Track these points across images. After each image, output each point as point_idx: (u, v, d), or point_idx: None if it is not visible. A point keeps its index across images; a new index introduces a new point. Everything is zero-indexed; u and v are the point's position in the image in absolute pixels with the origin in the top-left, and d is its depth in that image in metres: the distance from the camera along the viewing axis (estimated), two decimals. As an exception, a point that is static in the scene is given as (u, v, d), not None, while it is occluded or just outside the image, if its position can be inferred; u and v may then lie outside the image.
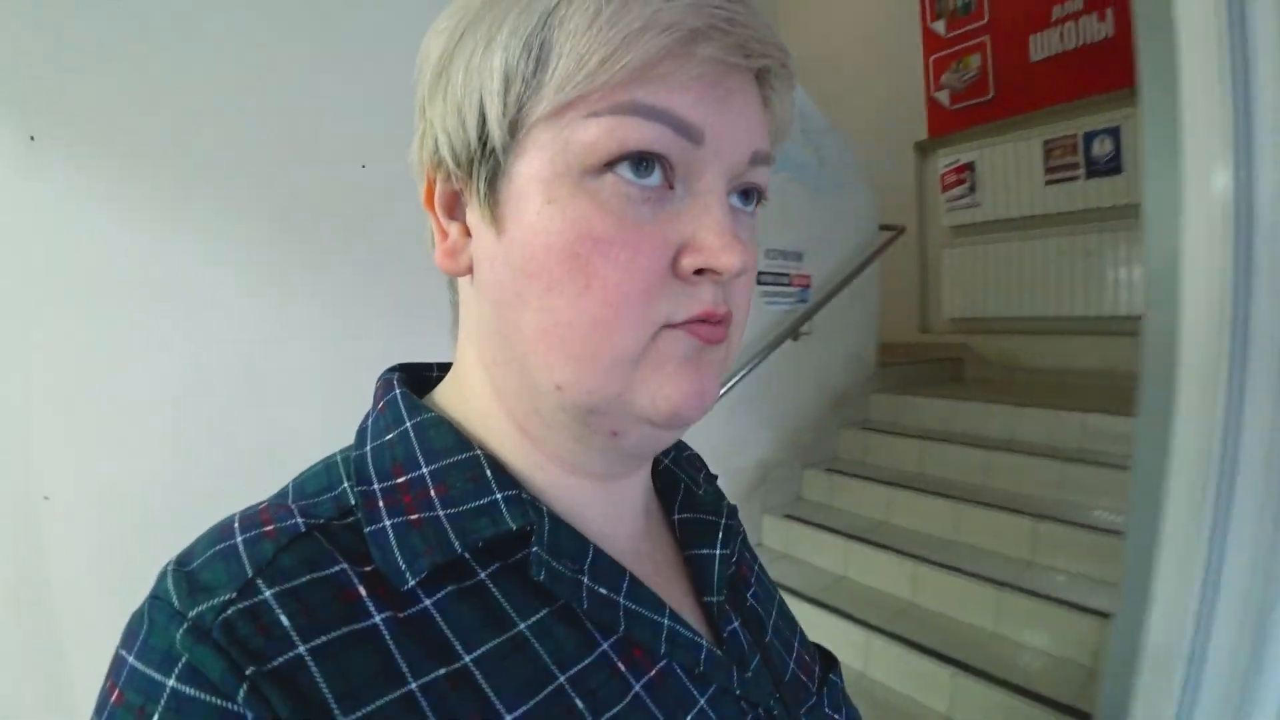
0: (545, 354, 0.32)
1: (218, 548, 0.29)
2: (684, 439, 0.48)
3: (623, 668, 0.33)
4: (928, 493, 2.48)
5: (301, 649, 0.26)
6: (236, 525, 0.30)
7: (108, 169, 1.23)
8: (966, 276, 3.83)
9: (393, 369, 0.40)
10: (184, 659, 0.25)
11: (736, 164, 0.32)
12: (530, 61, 0.30)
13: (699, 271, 0.31)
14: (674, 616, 0.35)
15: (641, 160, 0.30)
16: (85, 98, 1.21)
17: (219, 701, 0.25)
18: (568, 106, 0.30)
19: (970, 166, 3.80)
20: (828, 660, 0.49)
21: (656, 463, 0.47)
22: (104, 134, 1.23)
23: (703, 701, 0.35)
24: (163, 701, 0.25)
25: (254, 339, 1.42)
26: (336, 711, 0.26)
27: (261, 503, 0.33)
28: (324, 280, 1.50)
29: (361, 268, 1.54)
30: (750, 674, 0.39)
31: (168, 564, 0.29)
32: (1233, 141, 0.57)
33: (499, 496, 0.32)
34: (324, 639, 0.27)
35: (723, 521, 0.43)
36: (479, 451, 0.34)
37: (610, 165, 0.30)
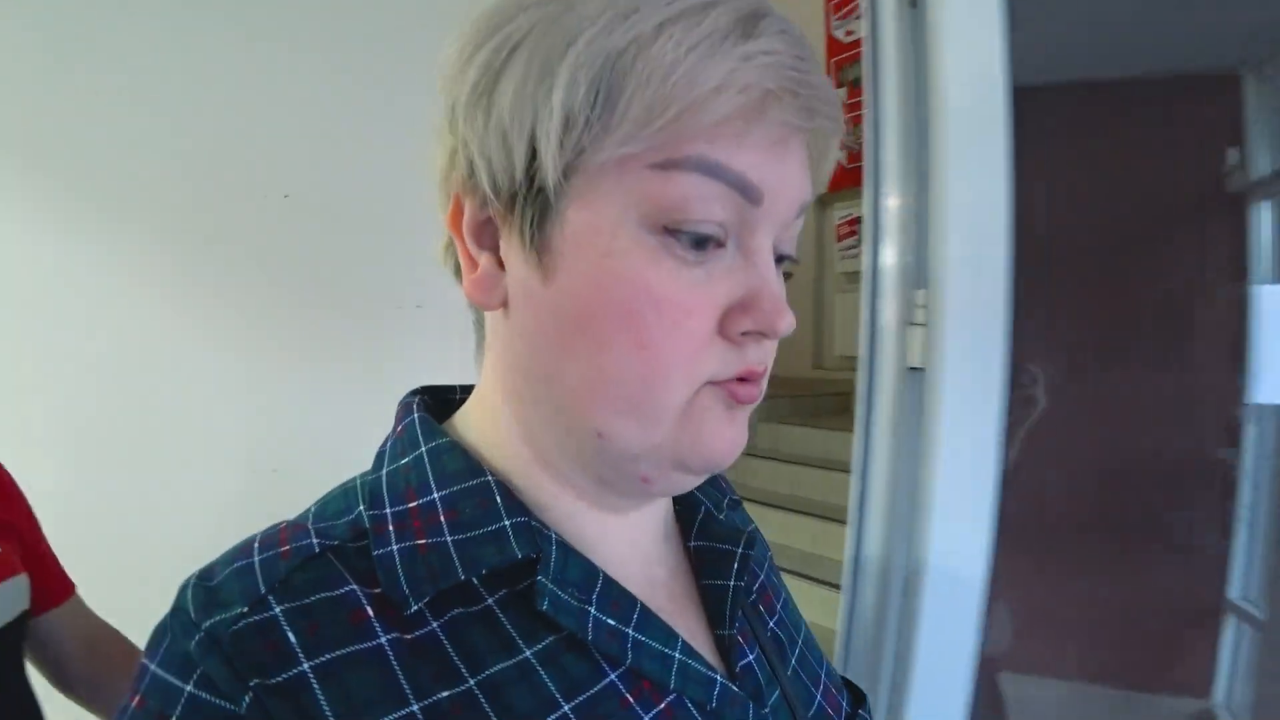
0: (589, 404, 0.32)
1: (236, 565, 0.30)
2: None
3: (631, 699, 0.32)
4: (795, 512, 2.77)
5: (305, 666, 0.27)
6: (256, 545, 0.31)
7: (39, 184, 1.38)
8: (856, 318, 4.22)
9: (415, 392, 0.40)
10: (200, 668, 0.27)
11: (785, 218, 0.33)
12: (596, 105, 0.28)
13: (745, 332, 0.32)
14: (686, 649, 0.34)
15: (703, 240, 0.30)
16: (16, 115, 1.35)
17: (229, 706, 0.26)
18: (633, 156, 0.29)
19: (861, 220, 4.21)
20: (857, 697, 0.47)
21: None
22: (35, 150, 1.37)
23: None
24: (181, 704, 0.26)
25: (161, 355, 1.50)
26: None
27: (282, 523, 0.33)
28: (237, 302, 1.57)
29: (279, 294, 1.59)
30: (768, 710, 0.37)
31: (189, 578, 0.30)
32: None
33: (507, 524, 0.32)
34: (328, 657, 0.27)
35: (739, 551, 0.41)
36: (490, 478, 0.34)
37: (670, 230, 0.30)
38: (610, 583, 0.34)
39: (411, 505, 0.33)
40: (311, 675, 0.27)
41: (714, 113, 0.28)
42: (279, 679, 0.26)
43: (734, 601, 0.39)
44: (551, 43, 0.29)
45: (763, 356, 0.33)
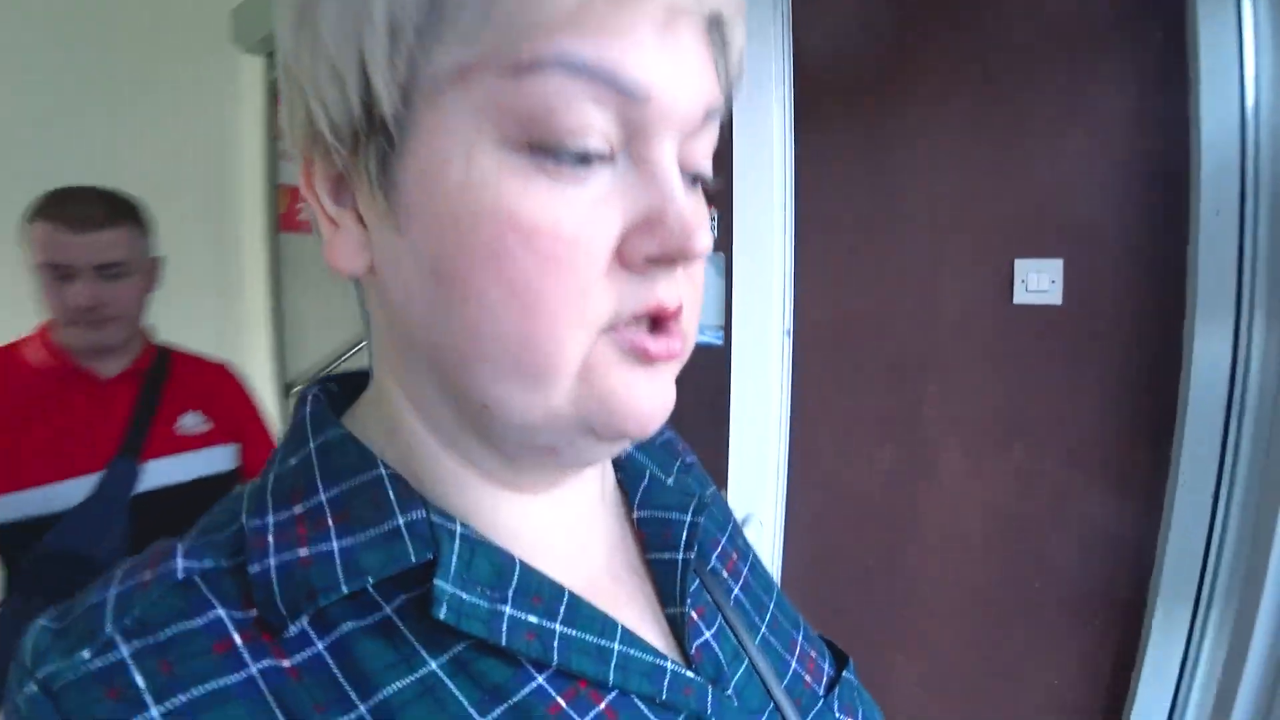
0: (466, 371, 0.27)
1: (92, 600, 0.26)
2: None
3: (563, 703, 0.27)
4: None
5: (153, 712, 0.23)
6: (120, 572, 0.27)
7: None
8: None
9: (320, 381, 0.35)
10: None
11: (688, 122, 0.26)
12: (423, 7, 0.23)
13: (652, 260, 0.26)
14: (627, 638, 0.30)
15: (583, 156, 0.24)
16: None
17: None
18: (476, 63, 0.23)
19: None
20: (839, 659, 0.42)
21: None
22: None
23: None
24: None
25: None
26: None
27: (161, 543, 0.29)
28: None
29: None
30: (731, 691, 0.33)
31: (39, 620, 0.26)
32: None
33: (400, 522, 0.27)
34: (184, 699, 0.23)
35: (688, 520, 0.36)
36: (382, 470, 0.29)
37: (538, 148, 0.24)
38: (529, 573, 0.29)
39: (297, 511, 0.28)
40: None
41: None
42: None
43: (684, 576, 0.35)
44: None
45: (676, 291, 0.27)
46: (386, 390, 0.32)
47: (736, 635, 0.37)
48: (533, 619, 0.28)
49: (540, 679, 0.27)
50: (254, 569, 0.26)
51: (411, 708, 0.25)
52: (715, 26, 0.27)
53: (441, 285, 0.25)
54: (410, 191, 0.25)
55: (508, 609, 0.27)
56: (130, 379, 1.09)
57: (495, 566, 0.28)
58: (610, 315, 0.26)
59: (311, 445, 0.30)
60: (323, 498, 0.28)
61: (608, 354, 0.26)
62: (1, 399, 1.01)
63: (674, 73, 0.25)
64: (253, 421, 1.25)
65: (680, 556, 0.35)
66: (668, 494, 0.39)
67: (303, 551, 0.27)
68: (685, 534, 0.36)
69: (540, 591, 0.29)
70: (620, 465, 0.40)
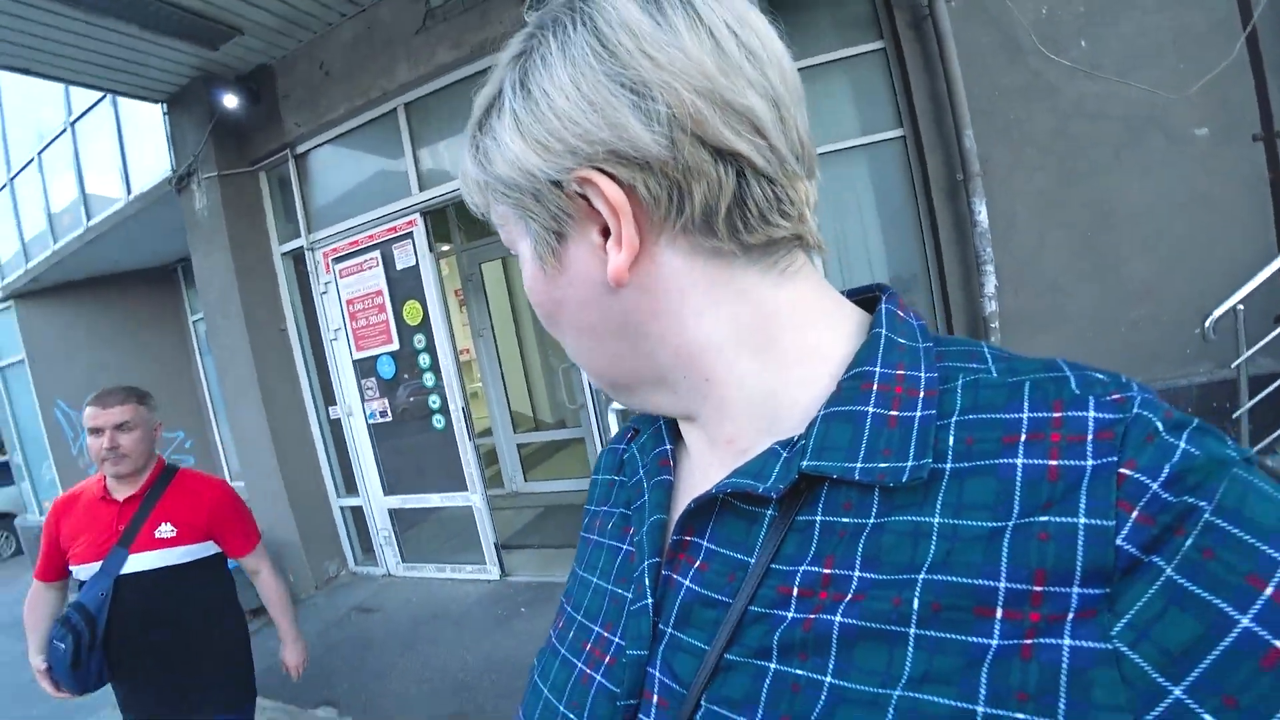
0: None
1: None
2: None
3: (630, 531, 0.46)
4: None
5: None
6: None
7: None
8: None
9: None
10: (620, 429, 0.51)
11: None
12: None
13: None
14: (655, 528, 0.42)
15: None
16: None
17: (616, 446, 0.51)
18: None
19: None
20: None
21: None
22: None
23: (628, 610, 0.41)
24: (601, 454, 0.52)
25: None
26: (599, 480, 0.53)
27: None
28: None
29: None
30: (671, 632, 0.38)
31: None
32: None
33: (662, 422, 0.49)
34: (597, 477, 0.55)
35: (770, 504, 0.37)
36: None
37: None
38: (663, 450, 0.47)
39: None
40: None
41: None
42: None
43: (665, 532, 0.43)
44: None
45: None
46: None
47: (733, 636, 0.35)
48: (637, 472, 0.48)
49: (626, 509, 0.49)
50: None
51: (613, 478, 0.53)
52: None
53: None
54: None
55: (637, 455, 0.49)
56: (135, 499, 1.83)
57: (655, 442, 0.48)
58: None
59: None
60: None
61: None
62: (69, 516, 1.84)
63: None
64: (226, 524, 1.92)
65: (669, 516, 0.43)
66: (765, 465, 0.37)
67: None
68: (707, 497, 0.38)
69: (653, 462, 0.47)
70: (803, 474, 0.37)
